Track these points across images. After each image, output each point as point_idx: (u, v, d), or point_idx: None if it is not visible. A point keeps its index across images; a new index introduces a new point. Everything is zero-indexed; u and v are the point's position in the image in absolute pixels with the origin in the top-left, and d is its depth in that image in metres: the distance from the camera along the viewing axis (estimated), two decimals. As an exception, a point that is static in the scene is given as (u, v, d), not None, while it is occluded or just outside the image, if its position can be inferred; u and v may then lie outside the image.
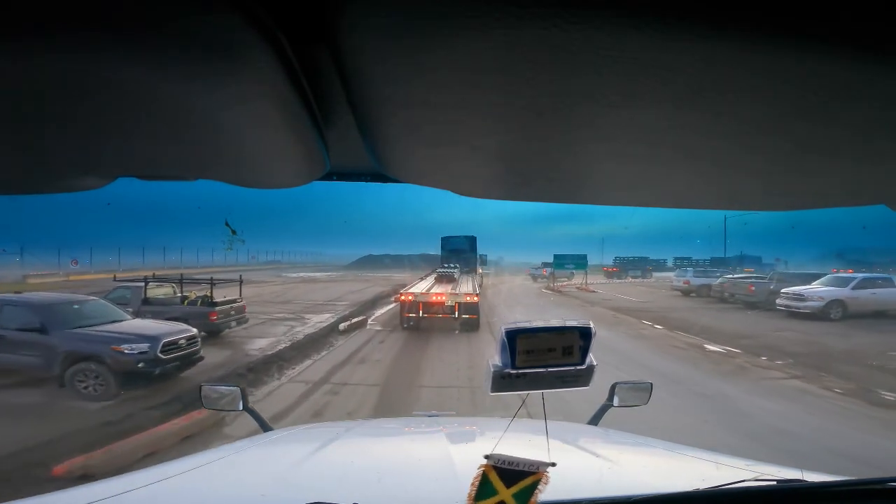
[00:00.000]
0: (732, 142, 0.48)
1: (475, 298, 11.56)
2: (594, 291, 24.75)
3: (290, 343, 10.03)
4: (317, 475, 1.34)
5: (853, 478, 1.04)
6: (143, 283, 10.36)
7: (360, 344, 10.34)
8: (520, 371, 0.56)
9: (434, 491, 1.13)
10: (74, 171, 0.63)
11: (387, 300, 18.38)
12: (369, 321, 13.38)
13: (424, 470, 1.33)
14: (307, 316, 13.99)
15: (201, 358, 7.63)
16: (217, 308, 9.89)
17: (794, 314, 14.37)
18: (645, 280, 34.01)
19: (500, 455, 0.64)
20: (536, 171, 0.63)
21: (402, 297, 11.56)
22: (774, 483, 1.00)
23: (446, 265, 18.53)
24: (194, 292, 10.78)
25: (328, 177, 0.77)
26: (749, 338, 11.27)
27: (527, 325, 0.56)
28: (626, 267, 35.20)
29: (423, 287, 13.22)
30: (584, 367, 0.58)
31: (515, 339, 0.55)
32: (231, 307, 10.38)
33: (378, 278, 32.09)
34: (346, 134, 0.58)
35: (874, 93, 0.38)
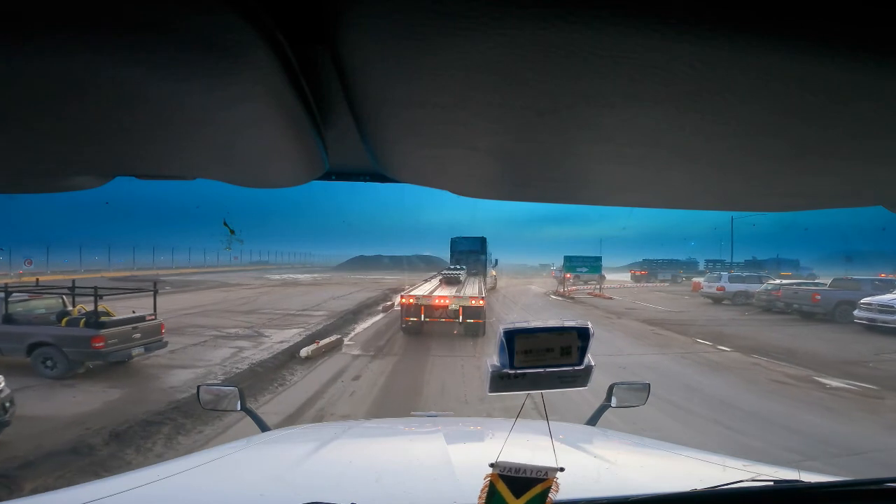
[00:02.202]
0: (731, 143, 0.48)
1: (480, 302, 10.54)
2: (611, 298, 21.74)
3: (219, 381, 6.83)
4: (315, 475, 1.31)
5: (850, 478, 1.01)
6: (3, 295, 7.04)
7: (325, 381, 7.14)
8: (518, 371, 0.55)
9: (432, 491, 1.13)
10: (73, 170, 0.62)
11: (373, 309, 15.15)
12: (346, 341, 10.16)
13: (423, 470, 1.30)
14: (267, 332, 10.78)
15: (3, 423, 4.43)
16: (106, 330, 6.63)
17: (876, 329, 11.64)
18: (658, 284, 31.50)
19: (506, 462, 0.60)
20: (535, 172, 0.62)
21: (404, 300, 10.75)
22: (771, 483, 1.00)
23: (454, 267, 17.51)
24: (82, 306, 7.52)
25: (327, 177, 0.76)
26: (861, 364, 8.38)
27: (525, 325, 0.55)
28: (656, 269, 32.40)
29: (427, 290, 12.15)
30: (582, 367, 0.56)
31: (514, 340, 0.54)
32: (135, 328, 7.12)
33: (367, 281, 28.99)
34: (345, 134, 0.57)
35: (872, 94, 0.37)
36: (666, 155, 0.52)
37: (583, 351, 0.55)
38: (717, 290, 19.41)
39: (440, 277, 15.26)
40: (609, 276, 24.99)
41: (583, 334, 0.55)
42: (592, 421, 1.95)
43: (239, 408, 1.88)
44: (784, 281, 18.07)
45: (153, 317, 7.52)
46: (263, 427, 1.93)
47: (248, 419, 1.97)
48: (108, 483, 1.19)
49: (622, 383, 1.98)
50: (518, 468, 0.60)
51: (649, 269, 33.05)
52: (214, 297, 17.91)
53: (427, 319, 10.37)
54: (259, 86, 0.39)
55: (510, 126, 0.46)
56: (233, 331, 10.96)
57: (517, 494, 0.60)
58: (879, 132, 0.44)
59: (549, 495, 0.60)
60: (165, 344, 7.76)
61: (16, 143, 0.50)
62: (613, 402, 1.93)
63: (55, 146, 0.51)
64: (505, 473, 0.60)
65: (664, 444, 1.65)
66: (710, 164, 0.55)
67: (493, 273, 24.35)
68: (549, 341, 0.54)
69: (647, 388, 1.95)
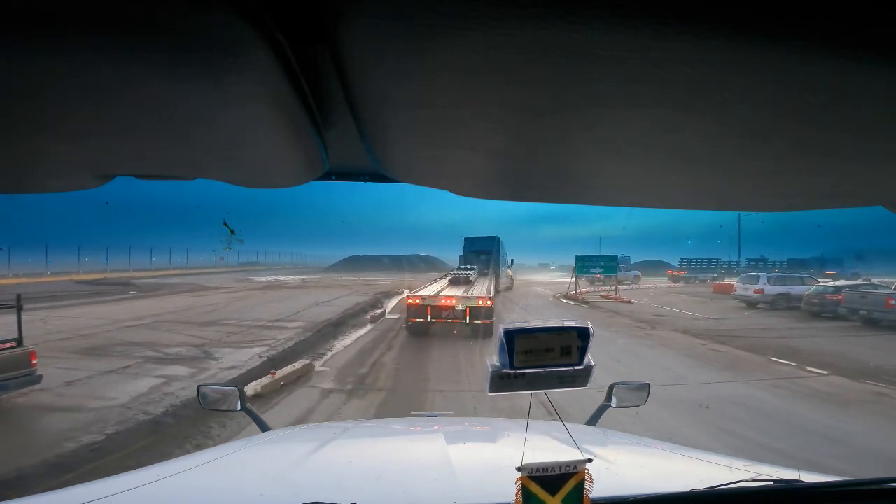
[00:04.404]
0: (731, 143, 0.48)
1: (488, 303, 10.17)
2: (629, 301, 19.34)
3: (98, 439, 4.35)
4: (315, 475, 1.30)
5: (850, 478, 0.99)
6: None
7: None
8: (518, 371, 0.54)
9: (432, 491, 1.11)
10: (73, 170, 0.61)
11: (360, 319, 12.62)
12: (318, 366, 7.67)
13: (423, 470, 1.28)
14: (219, 353, 8.31)
15: None
16: None
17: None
18: (672, 286, 29.36)
19: (533, 464, 0.59)
20: (535, 172, 0.62)
21: (410, 301, 10.46)
22: (772, 483, 0.98)
23: (463, 267, 17.06)
24: None
25: (327, 177, 0.76)
26: None
27: (525, 325, 0.55)
28: (695, 270, 30.22)
29: (434, 290, 11.68)
30: (581, 367, 0.56)
31: (514, 340, 0.53)
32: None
33: (359, 283, 26.46)
34: (345, 134, 0.57)
35: (871, 94, 0.37)
36: (665, 155, 0.52)
37: (583, 351, 0.55)
38: (755, 292, 17.04)
39: (449, 277, 14.84)
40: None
41: (583, 334, 0.55)
42: (592, 421, 1.91)
43: (239, 408, 1.80)
44: (839, 283, 15.77)
45: (12, 344, 4.99)
46: (264, 427, 1.86)
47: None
48: (108, 483, 1.16)
49: (622, 383, 1.92)
50: (546, 467, 0.59)
51: (687, 270, 30.84)
52: (179, 304, 15.41)
53: (433, 320, 9.95)
54: (259, 86, 0.39)
55: (510, 126, 0.46)
56: (175, 350, 8.47)
57: (552, 492, 0.59)
58: (879, 132, 0.44)
59: (586, 487, 0.59)
60: (38, 378, 5.24)
61: (15, 142, 0.49)
62: (613, 402, 1.88)
63: (55, 146, 0.51)
64: (534, 475, 0.59)
65: (664, 444, 1.64)
66: (709, 163, 0.55)
67: (510, 273, 23.37)
68: (549, 341, 0.54)
69: (646, 387, 1.90)
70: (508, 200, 0.77)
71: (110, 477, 1.22)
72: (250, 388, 5.95)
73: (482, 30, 0.30)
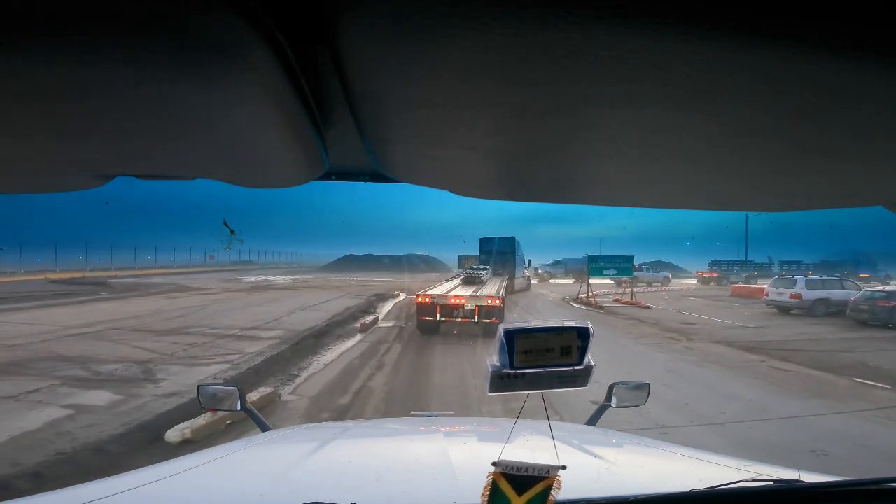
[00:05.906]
0: (731, 143, 0.48)
1: (497, 302, 10.14)
2: (647, 306, 17.64)
3: None
4: (315, 475, 1.30)
5: (850, 478, 0.99)
6: None
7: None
8: (518, 371, 0.54)
9: (432, 491, 1.12)
10: (72, 170, 0.62)
11: (348, 328, 10.83)
12: (287, 394, 5.89)
13: (423, 470, 1.29)
14: (163, 373, 6.59)
15: None
16: None
17: None
18: (685, 288, 27.87)
19: (509, 461, 0.60)
20: (536, 172, 0.62)
21: (420, 300, 10.49)
22: (771, 483, 0.98)
23: (475, 267, 17.42)
24: None
25: (327, 177, 0.76)
26: None
27: (525, 325, 0.55)
28: (726, 272, 28.75)
29: (444, 289, 11.71)
30: (581, 367, 0.56)
31: (514, 339, 0.53)
32: None
33: (353, 284, 24.71)
34: (345, 134, 0.57)
35: (872, 94, 0.37)
36: (665, 155, 0.52)
37: (583, 351, 0.55)
38: (791, 297, 15.34)
39: (461, 277, 14.92)
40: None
41: (583, 334, 0.55)
42: (592, 421, 1.92)
43: (239, 408, 1.79)
44: (889, 287, 14.15)
45: None
46: (264, 427, 1.86)
47: None
48: (108, 483, 1.16)
49: (623, 383, 1.92)
50: (520, 467, 0.60)
51: (719, 272, 29.59)
52: (147, 307, 13.67)
53: (443, 319, 10.09)
54: (259, 86, 0.39)
55: (510, 126, 0.46)
56: (109, 369, 6.73)
57: (519, 492, 0.60)
58: (879, 132, 0.44)
59: (552, 493, 0.60)
60: None
61: (15, 143, 0.49)
62: (613, 402, 1.88)
63: (55, 146, 0.51)
64: (507, 472, 0.60)
65: (664, 444, 1.63)
66: (710, 164, 0.55)
67: (527, 273, 23.13)
68: (549, 341, 0.54)
69: (646, 387, 1.90)
70: (508, 200, 0.77)
71: (110, 477, 1.20)
72: (176, 433, 4.20)
73: (482, 30, 0.30)
